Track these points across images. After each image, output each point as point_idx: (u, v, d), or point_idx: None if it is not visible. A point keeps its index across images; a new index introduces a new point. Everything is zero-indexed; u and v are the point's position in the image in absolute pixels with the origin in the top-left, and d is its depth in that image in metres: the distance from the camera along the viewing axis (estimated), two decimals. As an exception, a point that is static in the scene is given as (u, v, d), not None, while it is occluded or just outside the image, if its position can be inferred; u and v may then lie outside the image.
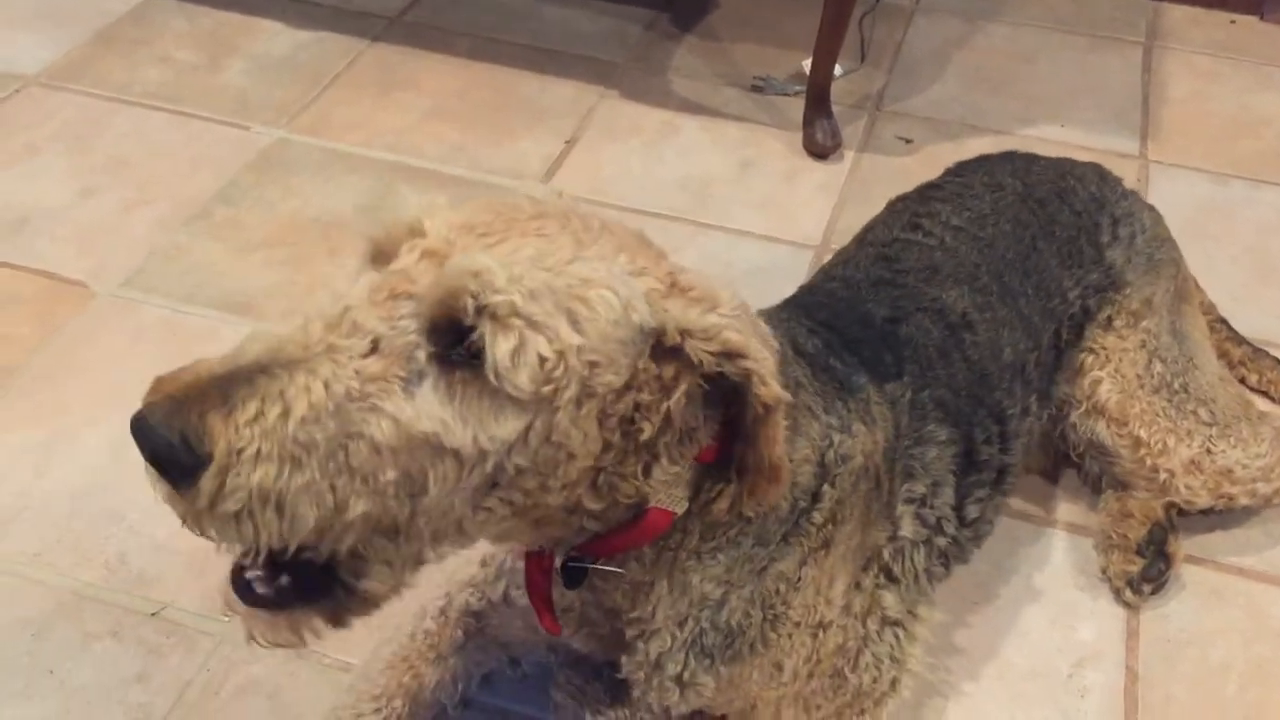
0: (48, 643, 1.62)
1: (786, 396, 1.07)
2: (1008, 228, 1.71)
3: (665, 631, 1.25)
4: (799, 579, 1.31)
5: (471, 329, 0.95)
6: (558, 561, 1.21)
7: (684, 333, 1.02)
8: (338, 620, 1.04)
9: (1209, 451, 1.73)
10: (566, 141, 2.68)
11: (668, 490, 1.12)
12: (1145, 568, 1.71)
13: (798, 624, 1.34)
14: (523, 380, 0.95)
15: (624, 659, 1.32)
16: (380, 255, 1.05)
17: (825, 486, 1.28)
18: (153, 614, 1.66)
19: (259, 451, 0.90)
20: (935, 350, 1.55)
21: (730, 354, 1.03)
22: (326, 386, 0.93)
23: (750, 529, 1.23)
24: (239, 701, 1.56)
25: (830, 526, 1.31)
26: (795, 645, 1.35)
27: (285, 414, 0.91)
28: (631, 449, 1.06)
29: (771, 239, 2.42)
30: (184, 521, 0.94)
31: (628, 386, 1.02)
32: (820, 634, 1.37)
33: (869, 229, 1.81)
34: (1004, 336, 1.62)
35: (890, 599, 1.47)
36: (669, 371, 1.04)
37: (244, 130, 2.66)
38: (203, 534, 0.94)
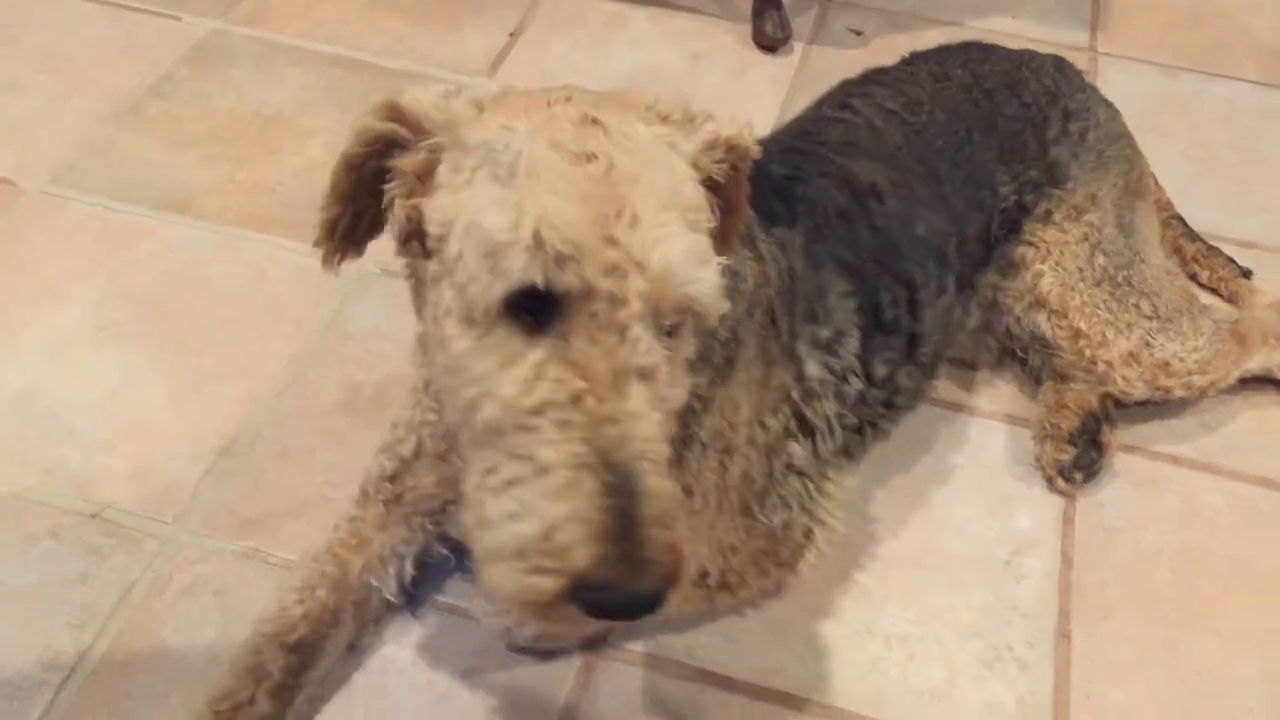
0: (-12, 545, 1.61)
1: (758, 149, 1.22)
2: (943, 117, 1.72)
3: None
4: (709, 398, 1.37)
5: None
6: None
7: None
8: None
9: (1148, 344, 1.75)
10: (511, 34, 2.62)
11: None
12: (1077, 456, 1.75)
13: (705, 445, 1.39)
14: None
15: None
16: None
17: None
18: (93, 515, 1.65)
19: None
20: (835, 212, 1.59)
21: (733, 146, 1.17)
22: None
23: None
24: (185, 600, 1.56)
25: (734, 345, 1.38)
26: (703, 468, 1.40)
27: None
28: None
29: (720, 133, 2.38)
30: None
31: None
32: (726, 460, 1.42)
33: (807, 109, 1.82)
34: (919, 214, 1.64)
35: (798, 449, 1.54)
36: None
37: (177, 21, 2.57)
38: None
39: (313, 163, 2.24)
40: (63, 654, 1.49)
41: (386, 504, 1.50)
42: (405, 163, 1.10)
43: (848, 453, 1.65)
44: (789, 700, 1.51)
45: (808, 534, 1.57)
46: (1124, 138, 1.85)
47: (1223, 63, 2.68)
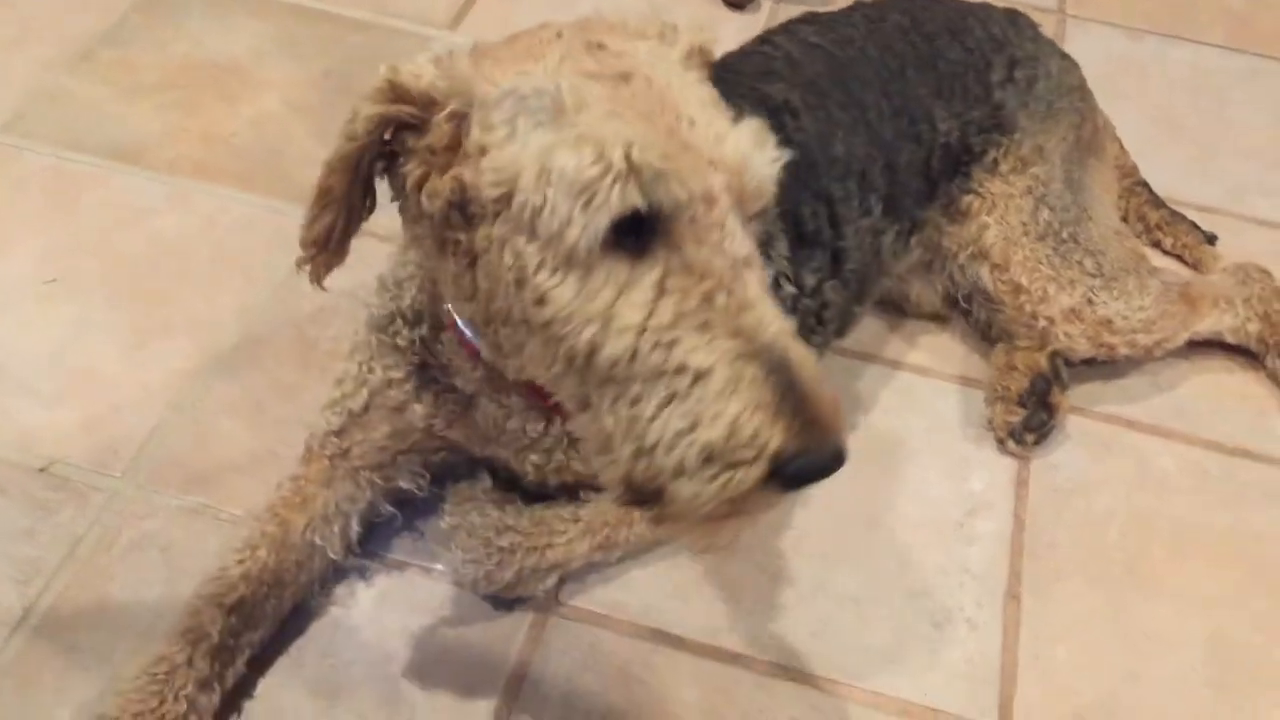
0: (-69, 499, 1.59)
1: None
2: (874, 53, 1.72)
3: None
4: None
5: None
6: None
7: None
8: None
9: (1090, 301, 1.75)
10: (475, -15, 2.58)
11: None
12: (1027, 418, 1.75)
13: None
14: None
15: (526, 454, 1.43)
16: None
17: None
18: (41, 469, 1.62)
19: None
20: None
21: (704, 51, 1.26)
22: None
23: None
24: (133, 555, 1.54)
25: None
26: None
27: None
28: None
29: (684, 90, 2.36)
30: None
31: None
32: None
33: None
34: (838, 135, 1.64)
35: None
36: None
37: (131, -34, 2.51)
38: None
39: (267, 114, 2.20)
40: (8, 609, 1.47)
41: (332, 459, 1.48)
42: (428, 140, 1.08)
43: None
44: (738, 659, 1.51)
45: None
46: (1077, 90, 1.84)
47: (1189, 27, 2.67)
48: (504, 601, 1.52)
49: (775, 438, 0.98)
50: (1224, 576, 1.66)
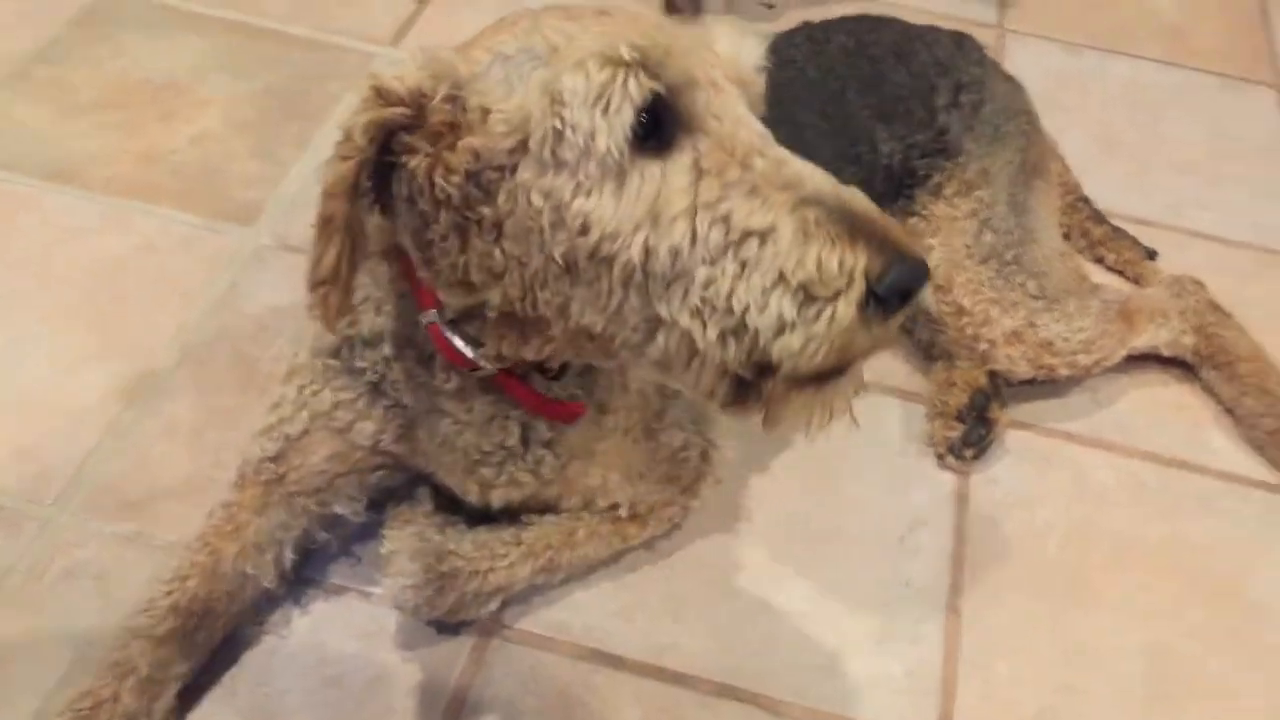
0: None
1: None
2: (815, 74, 1.72)
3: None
4: None
5: None
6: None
7: None
8: None
9: (1032, 324, 1.76)
10: (419, 0, 2.57)
11: None
12: (966, 433, 1.76)
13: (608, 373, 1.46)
14: None
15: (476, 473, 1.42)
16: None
17: None
18: (-30, 498, 1.60)
19: None
20: None
21: None
22: None
23: None
24: (65, 585, 1.51)
25: None
26: (612, 396, 1.45)
27: None
28: None
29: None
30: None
31: None
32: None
33: None
34: None
35: None
36: None
37: (67, -17, 2.48)
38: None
39: (207, 132, 2.18)
40: (-65, 641, 1.44)
41: (267, 485, 1.46)
42: (428, 126, 1.09)
43: None
44: (681, 679, 1.51)
45: (705, 455, 1.59)
46: (1023, 114, 1.86)
47: (1128, 42, 2.72)
48: (446, 626, 1.51)
49: (861, 259, 1.00)
50: (1161, 587, 1.68)
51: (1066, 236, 2.10)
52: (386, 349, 1.36)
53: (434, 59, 1.09)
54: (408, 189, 1.12)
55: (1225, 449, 1.87)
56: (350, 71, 2.35)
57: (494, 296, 1.17)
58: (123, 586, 1.51)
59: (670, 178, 1.04)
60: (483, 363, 1.26)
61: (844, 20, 1.86)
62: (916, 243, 1.05)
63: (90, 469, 1.64)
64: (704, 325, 1.05)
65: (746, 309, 1.02)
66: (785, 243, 1.01)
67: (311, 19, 2.47)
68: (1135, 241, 2.13)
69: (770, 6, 2.67)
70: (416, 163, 1.10)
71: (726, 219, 1.03)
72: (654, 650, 1.54)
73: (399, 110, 1.08)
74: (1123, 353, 1.85)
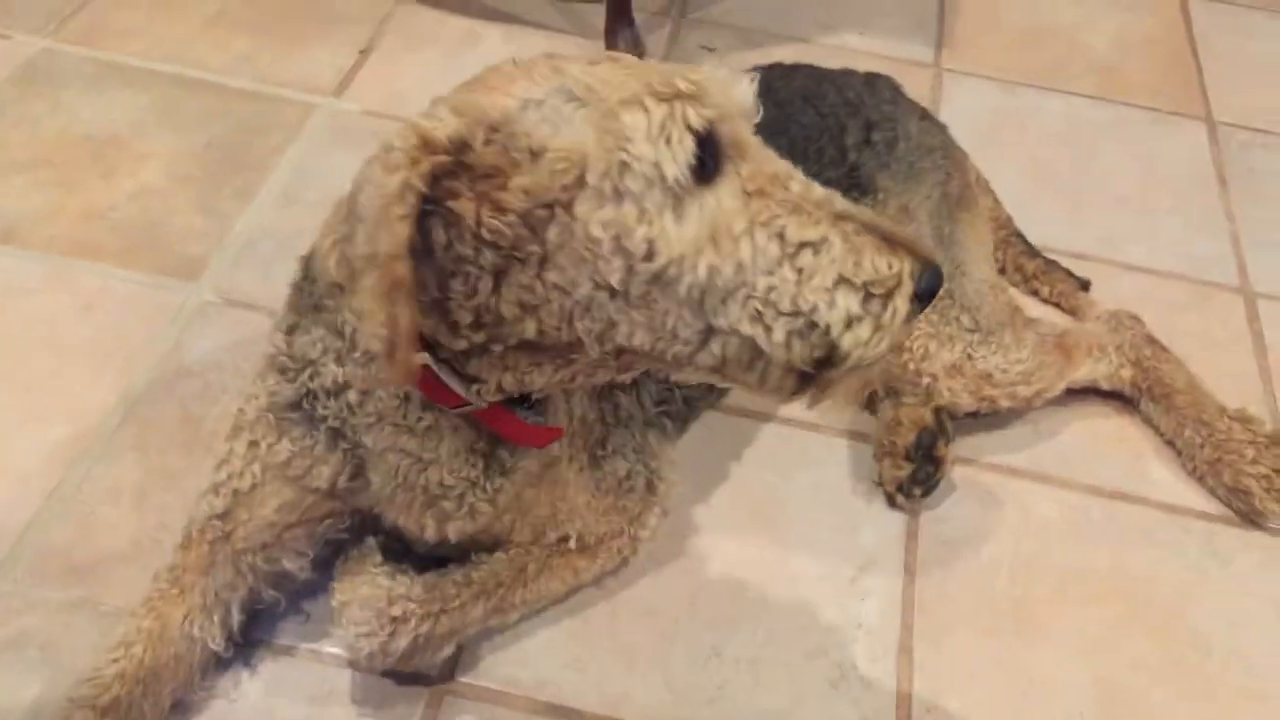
0: None
1: None
2: None
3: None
4: None
5: None
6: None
7: None
8: None
9: (970, 357, 1.79)
10: (361, 51, 2.57)
11: None
12: (914, 472, 1.78)
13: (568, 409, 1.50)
14: None
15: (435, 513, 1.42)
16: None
17: None
18: (-91, 568, 1.57)
19: None
20: None
21: None
22: None
23: None
24: (9, 655, 1.49)
25: None
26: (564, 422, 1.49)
27: None
28: None
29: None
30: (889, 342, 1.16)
31: None
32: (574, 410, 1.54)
33: None
34: None
35: (623, 398, 1.61)
36: None
37: (5, 39, 2.46)
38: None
39: (148, 187, 2.17)
40: (-127, 718, 1.42)
41: (213, 544, 1.44)
42: (475, 168, 1.10)
43: (667, 414, 1.72)
44: (635, 730, 1.51)
45: (650, 486, 1.62)
46: (939, 150, 1.89)
47: (1061, 79, 2.78)
48: (403, 676, 1.50)
49: (905, 262, 1.14)
50: (1106, 619, 1.71)
51: (1001, 271, 2.13)
52: (351, 396, 1.35)
53: (467, 104, 1.11)
54: (446, 234, 1.13)
55: (1165, 480, 1.91)
56: (292, 123, 2.35)
57: (527, 329, 1.19)
58: (70, 654, 1.49)
59: (724, 200, 1.12)
60: (474, 399, 1.27)
61: (754, 69, 1.88)
62: (934, 250, 1.18)
63: (33, 535, 1.62)
64: (767, 329, 1.14)
65: (814, 308, 1.13)
66: (838, 250, 1.13)
67: (254, 72, 2.47)
68: (1068, 273, 2.17)
69: (711, 50, 2.70)
70: (462, 206, 1.11)
71: (781, 234, 1.13)
72: (608, 702, 1.54)
73: (442, 158, 1.08)
74: (1062, 385, 1.88)
